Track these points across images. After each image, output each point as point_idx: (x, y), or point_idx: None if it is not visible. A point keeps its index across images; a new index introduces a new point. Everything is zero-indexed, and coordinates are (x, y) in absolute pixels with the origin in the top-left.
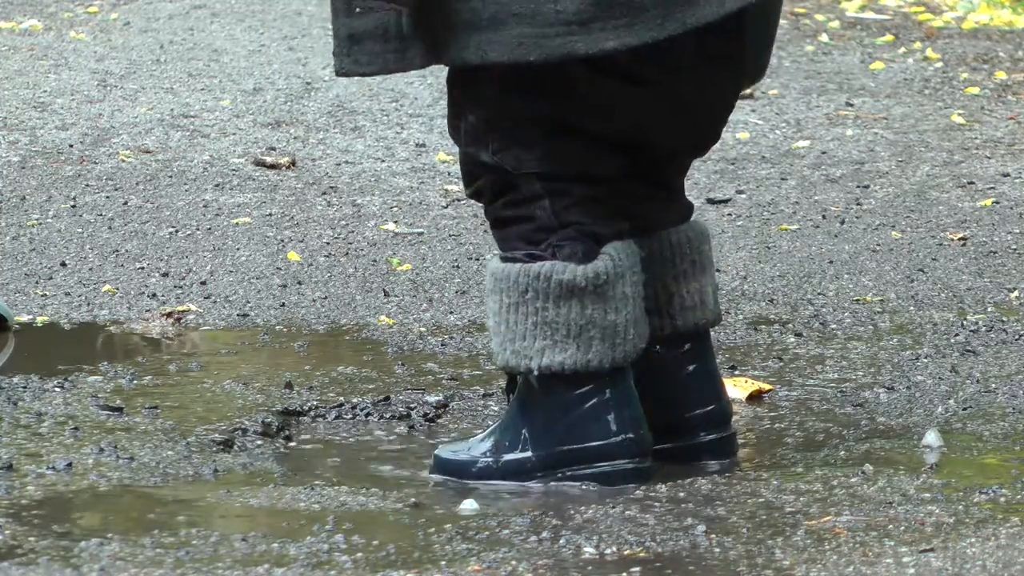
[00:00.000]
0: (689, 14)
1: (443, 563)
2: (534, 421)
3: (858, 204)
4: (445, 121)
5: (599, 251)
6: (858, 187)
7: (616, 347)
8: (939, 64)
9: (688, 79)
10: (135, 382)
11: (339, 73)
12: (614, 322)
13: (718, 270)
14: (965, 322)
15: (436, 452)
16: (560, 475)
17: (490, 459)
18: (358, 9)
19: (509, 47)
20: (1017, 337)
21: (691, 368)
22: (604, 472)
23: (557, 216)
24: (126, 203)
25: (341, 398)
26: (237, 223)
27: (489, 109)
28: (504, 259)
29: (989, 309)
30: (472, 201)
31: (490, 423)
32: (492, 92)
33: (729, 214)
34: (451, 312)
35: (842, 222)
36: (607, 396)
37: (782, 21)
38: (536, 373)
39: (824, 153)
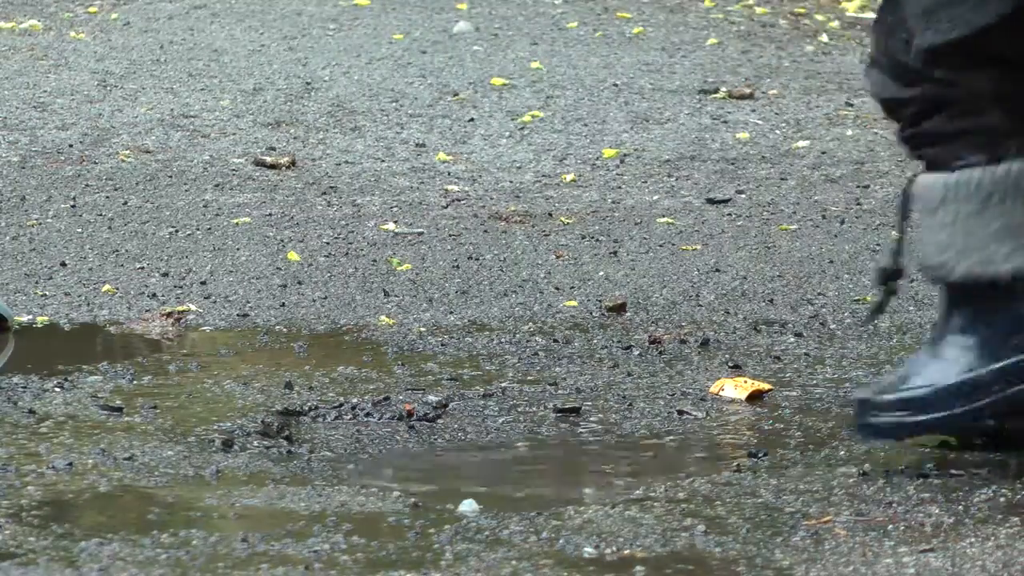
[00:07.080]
0: None
1: (443, 563)
2: (989, 333)
3: (858, 204)
4: (446, 120)
5: None
6: (858, 187)
7: None
8: None
9: None
10: (135, 382)
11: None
12: None
13: (717, 270)
14: None
15: (868, 419)
16: (1013, 389)
17: (943, 384)
18: None
19: None
20: None
21: None
22: None
23: (1013, 121)
24: (126, 203)
25: (341, 398)
26: (237, 223)
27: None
28: (951, 169)
29: None
30: (472, 200)
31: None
32: None
33: (729, 214)
34: (451, 312)
35: (842, 222)
36: None
37: (782, 21)
38: (1008, 278)
39: (824, 153)
